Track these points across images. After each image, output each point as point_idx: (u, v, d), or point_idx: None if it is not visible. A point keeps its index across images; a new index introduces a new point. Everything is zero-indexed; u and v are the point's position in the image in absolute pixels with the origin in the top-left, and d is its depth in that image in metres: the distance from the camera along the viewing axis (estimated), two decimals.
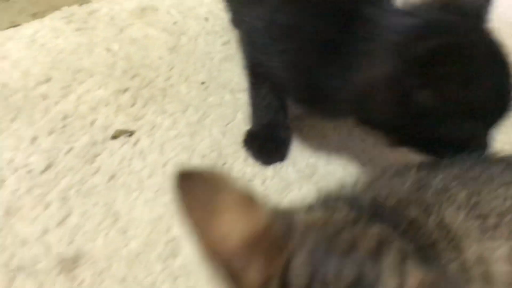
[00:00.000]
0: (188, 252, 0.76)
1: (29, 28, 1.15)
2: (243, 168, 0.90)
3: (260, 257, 0.37)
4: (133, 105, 0.99)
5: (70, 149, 0.90)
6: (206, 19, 1.23)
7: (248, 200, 0.39)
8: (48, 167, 0.86)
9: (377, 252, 0.38)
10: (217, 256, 0.38)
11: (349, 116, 0.77)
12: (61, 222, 0.78)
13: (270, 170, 0.90)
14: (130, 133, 0.94)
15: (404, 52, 0.63)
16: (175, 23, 1.22)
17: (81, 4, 1.25)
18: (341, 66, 0.70)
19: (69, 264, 0.73)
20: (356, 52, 0.69)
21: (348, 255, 0.37)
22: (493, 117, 0.67)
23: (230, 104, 1.02)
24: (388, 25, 0.67)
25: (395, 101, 0.66)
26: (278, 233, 0.39)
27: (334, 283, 0.35)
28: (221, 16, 1.20)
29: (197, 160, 0.90)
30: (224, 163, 0.90)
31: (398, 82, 0.64)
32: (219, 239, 0.38)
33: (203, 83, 1.06)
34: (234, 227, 0.38)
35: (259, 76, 0.87)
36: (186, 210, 0.39)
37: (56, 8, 1.21)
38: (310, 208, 0.47)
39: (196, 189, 0.40)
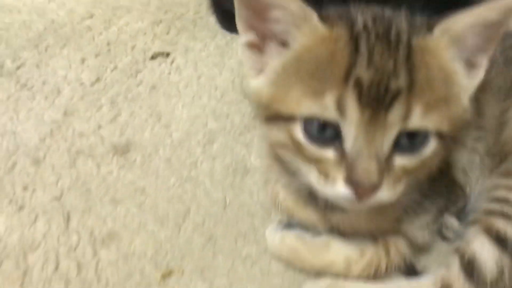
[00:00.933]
0: (222, 141, 0.87)
1: None
2: None
3: None
4: (167, 33, 1.11)
5: (115, 67, 1.01)
6: None
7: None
8: (97, 80, 0.98)
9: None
10: None
11: None
12: (112, 120, 0.90)
13: None
14: (167, 54, 1.05)
15: None
16: None
17: None
18: None
19: (122, 149, 0.85)
20: None
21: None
22: None
23: None
24: None
25: None
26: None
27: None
28: None
29: (227, 75, 1.01)
30: None
31: None
32: None
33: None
34: None
35: None
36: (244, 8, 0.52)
37: None
38: None
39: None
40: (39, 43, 1.06)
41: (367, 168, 0.49)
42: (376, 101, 0.49)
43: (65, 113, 0.91)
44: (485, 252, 0.60)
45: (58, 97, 0.94)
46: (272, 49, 0.55)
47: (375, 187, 0.50)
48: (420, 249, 0.69)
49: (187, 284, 0.67)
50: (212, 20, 1.14)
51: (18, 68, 1.00)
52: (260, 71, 0.55)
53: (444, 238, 0.70)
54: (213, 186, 0.79)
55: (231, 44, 1.08)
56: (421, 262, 0.69)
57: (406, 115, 0.49)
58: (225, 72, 1.02)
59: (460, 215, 0.68)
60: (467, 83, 0.55)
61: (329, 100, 0.49)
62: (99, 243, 0.71)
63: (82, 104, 0.93)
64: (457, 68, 0.54)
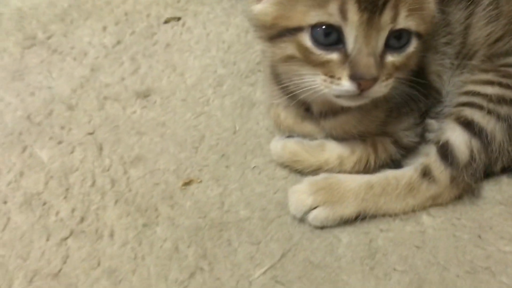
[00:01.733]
0: (230, 83, 0.98)
1: None
2: None
3: None
4: (178, 1, 1.23)
5: (133, 32, 1.14)
6: None
7: None
8: (118, 43, 1.10)
9: None
10: None
11: None
12: (133, 72, 1.02)
13: None
14: (178, 18, 1.17)
15: None
16: None
17: None
18: None
19: (143, 94, 0.97)
20: None
21: None
22: None
23: None
24: None
25: None
26: None
27: None
28: None
29: (233, 30, 1.12)
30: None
31: None
32: None
33: None
34: None
35: None
36: None
37: None
38: None
39: None
40: (65, 17, 1.19)
41: (367, 63, 0.60)
42: (371, 7, 0.59)
43: (92, 70, 1.03)
44: (457, 137, 0.69)
45: (85, 58, 1.07)
46: None
47: (375, 80, 0.61)
48: (405, 148, 0.78)
49: (204, 189, 0.78)
50: None
51: (48, 38, 1.13)
52: None
53: (427, 140, 0.80)
54: (224, 117, 0.91)
55: (235, 6, 1.20)
56: (409, 162, 0.79)
57: (394, 18, 0.60)
58: (231, 29, 1.13)
59: (439, 116, 0.78)
60: None
61: (333, 8, 0.59)
62: (128, 164, 0.83)
63: (106, 62, 1.05)
64: None
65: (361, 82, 0.60)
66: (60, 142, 0.87)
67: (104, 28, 1.15)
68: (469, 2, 0.73)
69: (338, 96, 0.64)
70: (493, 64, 0.71)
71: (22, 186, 0.80)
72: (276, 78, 0.78)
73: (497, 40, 0.72)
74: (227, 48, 1.07)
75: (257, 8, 0.67)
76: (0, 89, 1.00)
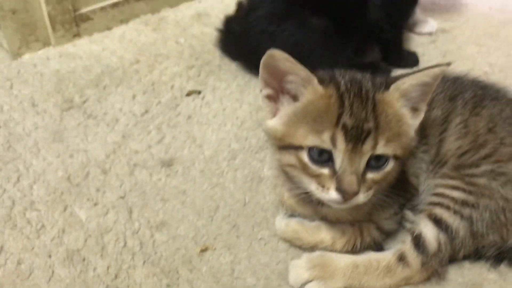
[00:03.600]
0: (242, 157, 1.15)
1: (119, 30, 1.59)
2: None
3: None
4: (198, 75, 1.40)
5: (159, 102, 1.30)
6: None
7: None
8: (145, 112, 1.27)
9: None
10: None
11: None
12: (159, 141, 1.18)
13: None
14: (199, 92, 1.34)
15: None
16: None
17: (153, 13, 1.68)
18: None
19: (167, 163, 1.13)
20: None
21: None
22: None
23: None
24: None
25: None
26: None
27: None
28: None
29: (246, 107, 1.29)
30: None
31: None
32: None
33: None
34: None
35: None
36: (266, 73, 0.79)
37: (136, 16, 1.65)
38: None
39: (274, 64, 0.79)
40: (99, 83, 1.36)
41: (350, 181, 0.77)
42: (355, 137, 0.76)
43: (123, 136, 1.19)
44: (428, 231, 0.86)
45: (117, 125, 1.23)
46: (285, 100, 0.83)
47: (355, 193, 0.77)
48: (387, 234, 0.95)
49: (218, 256, 0.93)
50: (233, 65, 1.44)
51: (84, 102, 1.30)
52: (274, 114, 0.83)
53: (404, 227, 0.97)
54: (236, 190, 1.07)
55: (249, 84, 1.37)
56: (389, 244, 0.95)
57: (374, 146, 0.77)
58: (244, 106, 1.30)
59: (414, 208, 0.94)
60: (412, 122, 0.83)
61: (326, 136, 0.77)
62: (154, 228, 0.98)
63: (135, 129, 1.22)
64: (405, 113, 0.82)
65: (345, 194, 0.77)
66: (96, 204, 1.03)
67: (134, 96, 1.32)
68: (444, 121, 0.90)
69: (328, 201, 0.81)
70: (460, 173, 0.88)
71: (64, 242, 0.95)
72: (283, 171, 0.95)
73: (464, 153, 0.89)
74: (240, 124, 1.24)
75: (270, 123, 0.84)
76: (43, 149, 1.16)
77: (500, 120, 0.90)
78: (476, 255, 0.91)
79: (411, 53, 1.47)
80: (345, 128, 0.76)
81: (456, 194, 0.86)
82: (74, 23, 1.52)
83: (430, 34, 1.59)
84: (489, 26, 1.66)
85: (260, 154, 1.16)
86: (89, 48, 1.51)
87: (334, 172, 0.78)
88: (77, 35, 1.54)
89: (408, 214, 0.94)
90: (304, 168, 0.80)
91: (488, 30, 1.63)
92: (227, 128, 1.23)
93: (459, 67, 1.37)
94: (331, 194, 0.78)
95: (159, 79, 1.39)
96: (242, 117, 1.26)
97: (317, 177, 0.79)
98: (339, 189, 0.77)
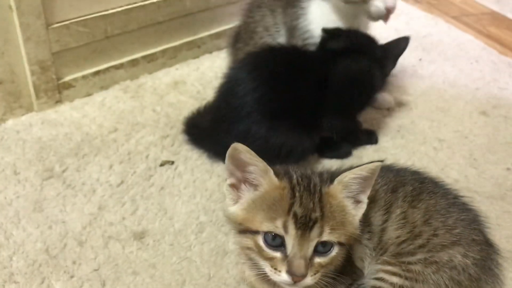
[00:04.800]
0: (209, 230, 1.25)
1: (99, 96, 1.70)
2: None
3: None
4: (172, 145, 1.51)
5: (134, 172, 1.41)
6: None
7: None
8: (121, 183, 1.37)
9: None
10: None
11: None
12: (132, 213, 1.28)
13: None
14: (172, 162, 1.45)
15: None
16: (198, 92, 1.76)
17: (132, 79, 1.80)
18: None
19: (139, 235, 1.22)
20: None
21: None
22: None
23: None
24: None
25: None
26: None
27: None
28: None
29: (215, 179, 1.40)
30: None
31: None
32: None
33: None
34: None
35: None
36: (231, 164, 0.91)
37: (116, 82, 1.76)
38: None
39: (237, 156, 0.90)
40: (78, 152, 1.46)
41: (299, 265, 0.88)
42: (304, 225, 0.88)
43: (99, 208, 1.29)
44: None
45: (94, 195, 1.32)
46: (246, 189, 0.94)
47: (303, 276, 0.88)
48: None
49: None
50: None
51: (63, 171, 1.39)
52: (236, 201, 0.95)
53: None
54: (202, 264, 1.17)
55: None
56: None
57: (320, 233, 0.89)
58: (213, 177, 1.41)
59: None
60: (355, 212, 0.95)
61: (279, 223, 0.88)
62: None
63: (111, 201, 1.31)
64: (348, 204, 0.94)
65: (294, 277, 0.88)
66: (72, 276, 1.11)
67: (110, 166, 1.42)
68: (386, 211, 1.03)
69: (280, 282, 0.92)
70: (398, 260, 0.99)
71: None
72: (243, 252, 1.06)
73: (402, 242, 1.01)
74: (209, 196, 1.35)
75: (232, 209, 0.96)
76: (23, 219, 1.24)
77: (434, 212, 1.03)
78: None
79: (370, 132, 1.61)
80: (295, 216, 0.88)
81: (395, 279, 0.98)
82: (57, 90, 1.62)
83: (388, 109, 1.74)
84: (441, 101, 1.82)
85: (225, 228, 1.26)
86: (70, 114, 1.61)
87: (285, 256, 0.89)
88: (59, 101, 1.64)
89: None
90: (259, 251, 0.91)
91: (440, 105, 1.79)
92: (196, 200, 1.34)
93: (412, 143, 1.52)
94: (282, 276, 0.89)
95: (135, 148, 1.49)
96: (211, 189, 1.37)
97: (270, 260, 0.90)
98: (289, 271, 0.88)
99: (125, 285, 1.10)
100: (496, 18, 2.50)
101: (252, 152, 0.91)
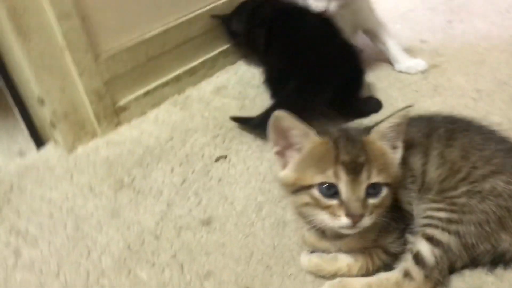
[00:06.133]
0: (268, 208, 1.35)
1: (153, 113, 1.86)
2: None
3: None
4: (223, 142, 1.64)
5: (193, 171, 1.54)
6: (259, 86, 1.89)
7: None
8: (183, 181, 1.51)
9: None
10: None
11: None
12: (197, 205, 1.41)
13: None
14: (225, 157, 1.57)
15: None
16: (240, 92, 1.89)
17: (179, 94, 1.95)
18: None
19: (206, 222, 1.35)
20: None
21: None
22: None
23: None
24: None
25: None
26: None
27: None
28: None
29: (266, 164, 1.51)
30: None
31: None
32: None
33: None
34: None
35: None
36: (274, 133, 1.02)
37: (165, 98, 1.92)
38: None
39: (279, 123, 1.01)
40: (142, 163, 1.62)
41: (355, 206, 0.96)
42: (353, 170, 0.97)
43: (168, 205, 1.43)
44: (424, 248, 1.03)
45: (161, 196, 1.47)
46: (291, 153, 1.04)
47: (361, 216, 0.97)
48: (394, 256, 1.12)
49: None
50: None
51: (132, 181, 1.55)
52: (284, 166, 1.05)
53: (407, 249, 1.14)
54: (265, 236, 1.27)
55: (266, 143, 1.60)
56: (397, 264, 1.12)
57: (369, 176, 0.97)
58: (264, 162, 1.52)
59: (413, 231, 1.11)
60: (393, 156, 1.03)
61: (330, 173, 0.97)
62: (202, 278, 1.19)
63: (177, 197, 1.45)
64: (387, 149, 1.02)
65: (353, 217, 0.96)
66: (153, 265, 1.25)
67: (172, 169, 1.56)
68: (424, 155, 1.09)
69: (340, 227, 1.00)
70: (443, 196, 1.05)
71: None
72: (299, 213, 1.16)
73: (444, 179, 1.07)
74: (263, 179, 1.46)
75: (282, 174, 1.06)
76: (104, 225, 1.40)
77: (470, 148, 1.09)
78: (473, 264, 1.07)
79: (368, 100, 1.67)
80: (343, 163, 0.97)
81: (442, 214, 1.04)
82: (114, 114, 1.80)
83: (422, 72, 1.79)
84: (476, 55, 1.84)
85: (282, 203, 1.36)
86: (130, 133, 1.77)
87: (341, 201, 0.97)
88: (118, 124, 1.81)
89: (409, 237, 1.12)
90: (316, 203, 0.99)
91: (475, 59, 1.82)
92: (252, 184, 1.45)
93: (450, 98, 1.57)
94: (342, 220, 0.97)
95: (191, 150, 1.63)
96: (263, 172, 1.48)
97: (328, 208, 0.98)
98: (348, 214, 0.96)
99: (200, 265, 1.23)
100: None
101: (293, 117, 1.00)
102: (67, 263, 1.30)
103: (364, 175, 0.97)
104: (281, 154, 1.06)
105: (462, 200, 1.04)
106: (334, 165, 0.97)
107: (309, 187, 1.00)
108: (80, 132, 1.75)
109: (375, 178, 0.98)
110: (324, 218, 1.00)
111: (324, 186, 0.98)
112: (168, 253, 1.28)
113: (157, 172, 1.57)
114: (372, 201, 0.98)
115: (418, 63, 1.79)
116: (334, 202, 0.98)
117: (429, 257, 1.03)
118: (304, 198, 1.02)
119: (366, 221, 0.98)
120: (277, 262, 1.20)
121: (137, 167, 1.60)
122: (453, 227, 1.02)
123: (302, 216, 1.09)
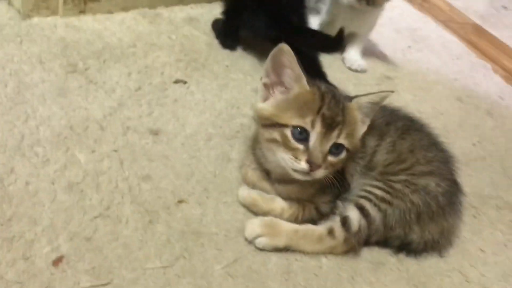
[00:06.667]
0: (216, 140, 1.39)
1: (119, 16, 1.81)
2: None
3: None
4: (186, 69, 1.64)
5: (150, 83, 1.53)
6: None
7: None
8: (138, 88, 1.49)
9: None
10: None
11: None
12: (148, 115, 1.41)
13: None
14: (185, 82, 1.58)
15: None
16: (210, 30, 1.90)
17: (150, 8, 1.91)
18: None
19: (155, 132, 1.35)
20: None
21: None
22: None
23: (242, 80, 1.68)
24: None
25: None
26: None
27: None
28: None
29: (223, 103, 1.55)
30: (237, 107, 1.55)
31: None
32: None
33: (227, 66, 1.72)
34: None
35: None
36: (270, 64, 1.07)
37: (135, 7, 1.87)
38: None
39: (280, 57, 1.06)
40: (100, 56, 1.57)
41: (318, 156, 1.04)
42: (329, 125, 1.05)
43: (119, 104, 1.41)
44: (353, 215, 1.14)
45: (113, 94, 1.44)
46: (277, 90, 1.10)
47: (319, 166, 1.05)
48: (322, 215, 1.22)
49: (190, 208, 1.17)
50: (215, 67, 1.69)
51: (86, 69, 1.50)
52: (264, 99, 1.10)
53: (334, 214, 1.24)
54: (209, 163, 1.31)
55: (227, 85, 1.63)
56: (322, 223, 1.22)
57: (338, 135, 1.06)
58: (222, 101, 1.55)
59: (345, 200, 1.22)
60: (360, 128, 1.13)
61: (308, 120, 1.04)
62: (140, 179, 1.20)
63: (129, 101, 1.43)
64: (359, 120, 1.12)
65: (312, 165, 1.04)
66: (93, 151, 1.24)
67: (129, 74, 1.54)
68: (379, 139, 1.21)
69: (295, 171, 1.07)
70: (383, 178, 1.17)
71: (65, 175, 1.15)
72: (253, 149, 1.21)
73: (389, 164, 1.19)
74: (218, 115, 1.49)
75: (260, 105, 1.11)
76: (48, 100, 1.35)
77: (418, 146, 1.22)
78: (384, 243, 1.21)
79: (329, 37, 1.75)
80: (323, 116, 1.05)
81: (378, 192, 1.16)
82: (82, 1, 1.72)
83: (360, 72, 1.95)
84: (424, 82, 2.03)
85: (230, 141, 1.41)
86: (92, 25, 1.71)
87: (307, 148, 1.05)
88: (82, 11, 1.74)
89: (339, 203, 1.22)
90: (284, 142, 1.06)
91: (423, 85, 2.00)
92: (206, 116, 1.48)
93: None
94: (302, 164, 1.05)
95: (152, 64, 1.61)
96: (219, 109, 1.52)
97: (293, 150, 1.06)
98: (308, 161, 1.04)
99: (141, 167, 1.24)
100: (478, 30, 2.75)
101: (294, 56, 1.06)
102: (0, 121, 1.23)
103: (335, 133, 1.05)
104: (267, 87, 1.11)
105: (398, 186, 1.16)
106: (315, 114, 1.05)
107: (284, 125, 1.06)
108: (41, 3, 1.65)
109: (342, 140, 1.07)
110: (285, 158, 1.07)
111: (298, 129, 1.05)
112: (110, 146, 1.27)
113: (113, 70, 1.53)
114: (331, 158, 1.07)
115: (360, 63, 1.95)
116: (300, 146, 1.05)
117: (355, 223, 1.14)
118: (274, 134, 1.08)
119: (320, 172, 1.06)
120: (215, 188, 1.24)
121: (94, 59, 1.55)
122: (383, 205, 1.15)
123: (263, 150, 1.15)
